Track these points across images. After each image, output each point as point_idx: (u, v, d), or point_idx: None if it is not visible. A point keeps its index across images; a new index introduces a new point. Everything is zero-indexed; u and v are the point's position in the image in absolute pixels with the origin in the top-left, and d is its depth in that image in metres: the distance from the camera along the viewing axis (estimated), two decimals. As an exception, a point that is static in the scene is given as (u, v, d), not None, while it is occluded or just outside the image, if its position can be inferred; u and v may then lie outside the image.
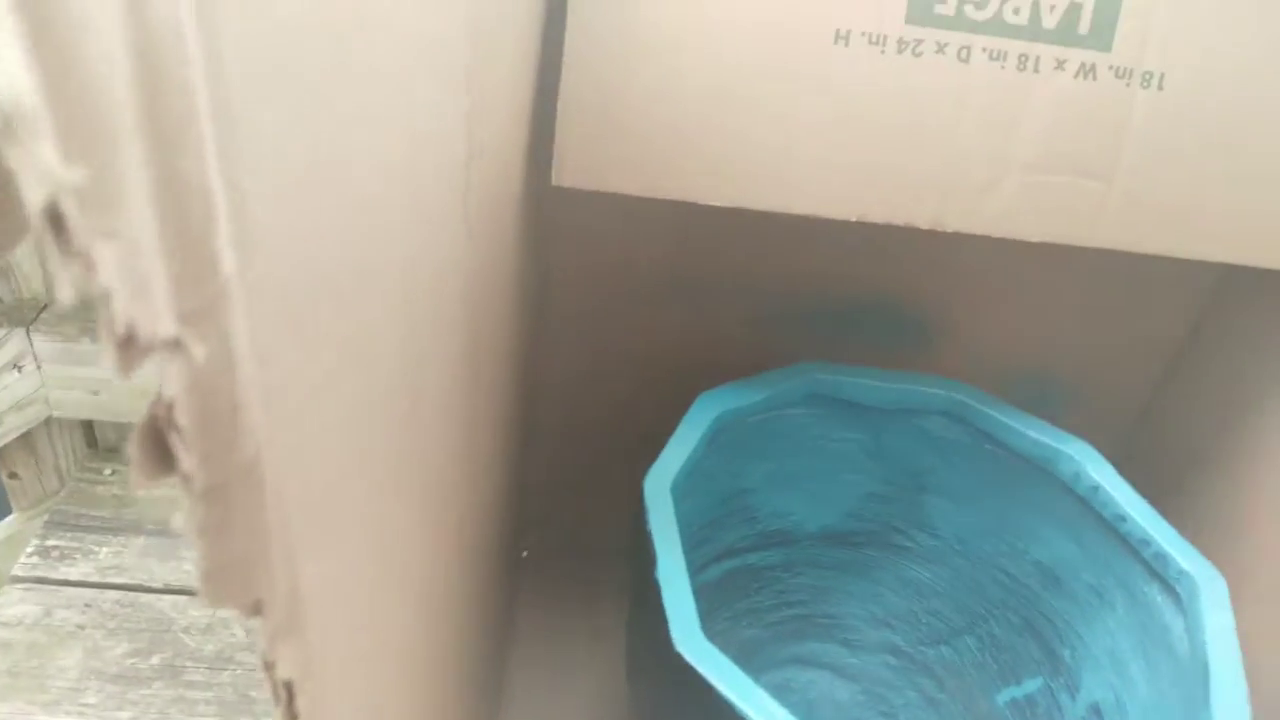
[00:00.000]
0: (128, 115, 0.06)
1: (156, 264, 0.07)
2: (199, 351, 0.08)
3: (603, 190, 0.30)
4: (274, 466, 0.10)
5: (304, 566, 0.12)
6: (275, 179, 0.09)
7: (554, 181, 0.30)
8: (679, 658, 0.25)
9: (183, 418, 0.08)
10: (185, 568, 0.49)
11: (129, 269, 0.07)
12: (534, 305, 0.40)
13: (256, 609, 0.11)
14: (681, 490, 0.32)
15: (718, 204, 0.30)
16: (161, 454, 0.08)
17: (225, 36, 0.07)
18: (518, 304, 0.34)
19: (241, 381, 0.09)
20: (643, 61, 0.29)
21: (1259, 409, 0.37)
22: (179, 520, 0.09)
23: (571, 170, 0.30)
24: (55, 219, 0.06)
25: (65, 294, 0.06)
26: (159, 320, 0.07)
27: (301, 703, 0.12)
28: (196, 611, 0.46)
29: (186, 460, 0.09)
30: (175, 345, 0.08)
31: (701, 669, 0.25)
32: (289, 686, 0.12)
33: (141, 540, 0.50)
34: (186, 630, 0.45)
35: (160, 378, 0.08)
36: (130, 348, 0.07)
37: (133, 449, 0.08)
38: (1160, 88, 0.30)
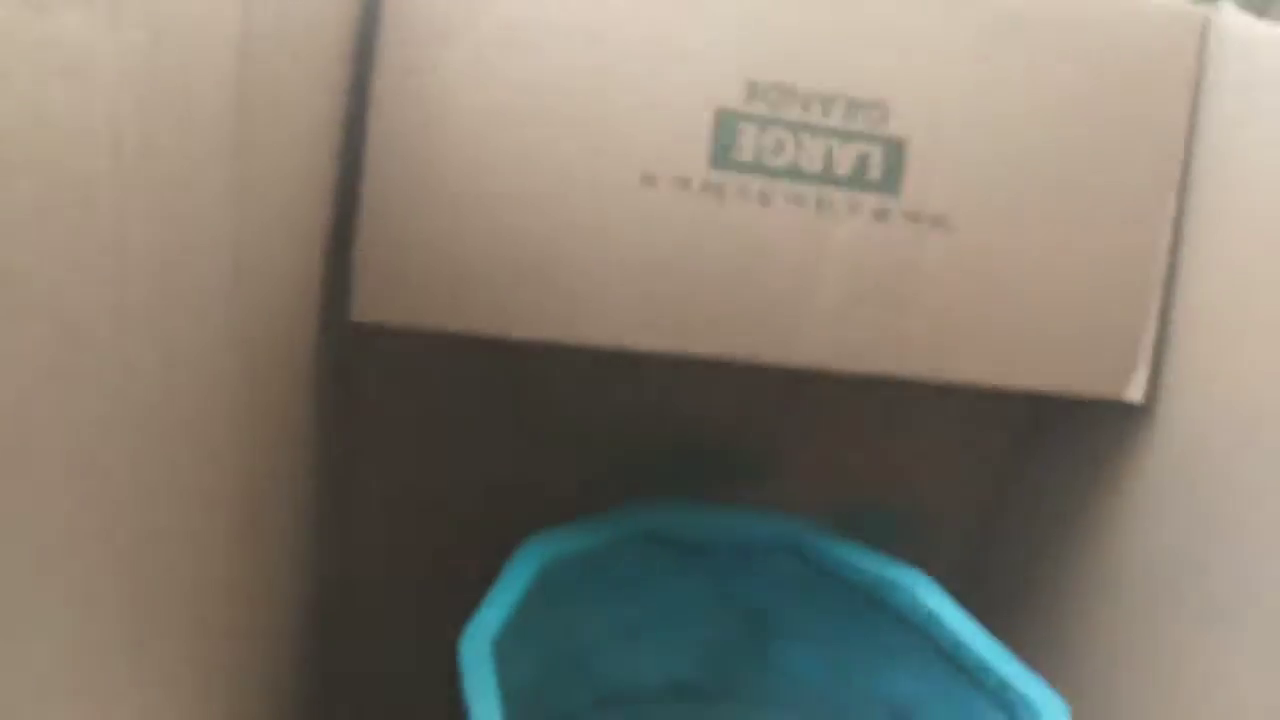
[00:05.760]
0: None
1: None
2: None
3: (408, 326, 0.29)
4: None
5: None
6: None
7: (353, 316, 0.29)
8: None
9: None
10: None
11: None
12: (334, 447, 0.37)
13: None
14: (506, 649, 0.30)
15: (535, 338, 0.30)
16: None
17: None
18: (316, 449, 0.32)
19: None
20: (450, 190, 0.29)
21: (1074, 528, 0.38)
22: None
23: (372, 304, 0.29)
24: None
25: None
26: None
27: None
28: None
29: None
30: None
31: None
32: None
33: None
34: None
35: None
36: None
37: None
38: (949, 228, 0.32)
